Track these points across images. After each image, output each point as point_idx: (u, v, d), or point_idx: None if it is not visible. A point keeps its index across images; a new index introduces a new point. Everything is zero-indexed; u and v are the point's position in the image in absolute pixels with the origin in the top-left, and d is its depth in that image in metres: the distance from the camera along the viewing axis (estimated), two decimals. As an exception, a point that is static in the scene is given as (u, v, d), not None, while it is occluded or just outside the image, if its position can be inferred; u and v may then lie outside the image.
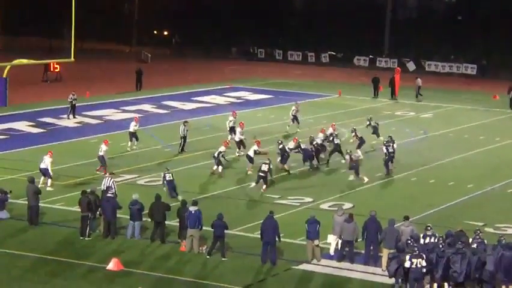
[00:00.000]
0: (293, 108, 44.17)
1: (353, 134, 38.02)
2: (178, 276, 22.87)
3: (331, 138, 36.68)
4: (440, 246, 21.98)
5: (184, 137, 37.67)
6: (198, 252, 24.60)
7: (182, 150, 37.54)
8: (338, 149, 35.94)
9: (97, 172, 33.13)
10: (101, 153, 33.44)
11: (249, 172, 33.84)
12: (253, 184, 31.76)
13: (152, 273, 22.97)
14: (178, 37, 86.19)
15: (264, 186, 31.56)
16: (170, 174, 30.14)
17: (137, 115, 43.17)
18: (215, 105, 52.00)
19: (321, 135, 36.92)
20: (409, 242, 22.24)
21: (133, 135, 37.92)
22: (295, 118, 43.53)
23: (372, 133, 39.92)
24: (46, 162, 31.04)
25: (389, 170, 34.26)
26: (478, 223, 27.28)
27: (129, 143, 37.89)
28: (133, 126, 38.07)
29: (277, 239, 24.00)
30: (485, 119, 48.75)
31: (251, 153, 34.31)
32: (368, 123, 40.58)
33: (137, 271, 23.09)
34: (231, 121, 39.53)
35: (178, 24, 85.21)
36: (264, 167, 31.66)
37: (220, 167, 33.52)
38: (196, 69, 70.09)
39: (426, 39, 75.35)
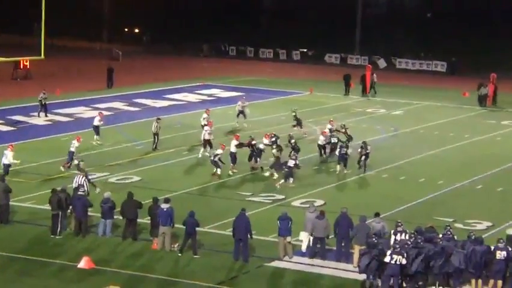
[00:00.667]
0: (239, 103, 44.53)
1: (343, 130, 37.59)
2: (149, 274, 22.82)
3: (330, 136, 36.69)
4: (419, 242, 22.08)
5: (157, 134, 37.55)
6: (170, 250, 24.56)
7: (155, 147, 37.41)
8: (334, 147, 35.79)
9: (62, 168, 32.97)
10: (72, 149, 33.35)
11: (232, 172, 33.39)
12: (282, 181, 31.97)
13: (123, 271, 22.89)
14: (149, 34, 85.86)
15: (291, 180, 31.94)
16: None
17: (102, 111, 43.15)
18: (186, 102, 51.90)
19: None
20: (373, 238, 22.38)
21: (96, 129, 37.89)
22: (241, 113, 43.76)
23: (295, 125, 40.56)
24: (8, 157, 30.89)
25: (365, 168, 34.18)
26: (448, 219, 27.50)
27: (95, 137, 37.83)
28: (97, 121, 38.04)
29: (249, 236, 24.03)
30: (455, 116, 49.13)
31: (233, 149, 33.75)
32: (293, 114, 41.17)
33: (108, 269, 23.00)
34: (204, 118, 39.44)
35: (149, 22, 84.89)
36: (291, 163, 31.93)
37: (219, 170, 33.05)
38: (167, 67, 69.88)
39: (397, 36, 75.79)
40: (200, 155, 35.94)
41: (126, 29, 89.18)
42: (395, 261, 21.28)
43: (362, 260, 21.91)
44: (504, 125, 46.70)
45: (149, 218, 25.58)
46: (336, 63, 74.59)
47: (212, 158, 33.30)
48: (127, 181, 32.06)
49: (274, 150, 34.08)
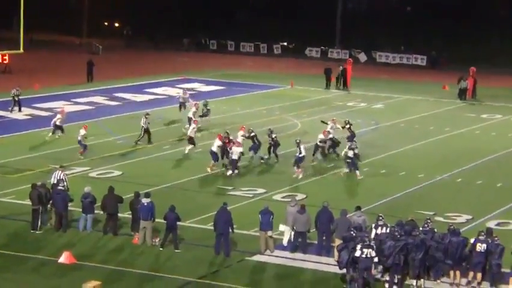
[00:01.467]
0: (180, 95, 44.59)
1: (348, 126, 36.88)
2: (130, 268, 22.77)
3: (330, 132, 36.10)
4: (397, 235, 22.17)
5: (147, 129, 37.40)
6: (151, 245, 24.52)
7: (149, 141, 37.33)
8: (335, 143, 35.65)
9: (80, 156, 34.20)
10: (79, 138, 34.39)
11: (210, 169, 33.10)
12: (346, 170, 32.73)
13: (104, 266, 22.82)
14: (129, 29, 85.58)
15: (358, 172, 32.34)
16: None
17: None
18: (167, 97, 51.79)
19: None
20: (352, 232, 22.46)
21: (58, 127, 37.77)
22: (182, 104, 43.54)
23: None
24: None
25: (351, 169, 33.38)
26: (429, 212, 27.62)
27: (55, 134, 37.79)
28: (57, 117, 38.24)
29: (230, 230, 24.04)
30: (435, 110, 49.33)
31: (214, 148, 33.34)
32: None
33: (89, 264, 22.92)
34: (195, 112, 39.49)
35: (129, 16, 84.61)
36: (350, 153, 32.42)
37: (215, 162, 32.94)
38: (147, 61, 69.70)
39: (377, 30, 75.98)
40: (187, 151, 35.81)
41: (106, 23, 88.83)
42: (366, 254, 21.39)
43: (341, 255, 21.97)
44: (483, 118, 46.96)
45: (130, 212, 25.53)
46: (316, 57, 74.66)
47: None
48: (107, 175, 31.96)
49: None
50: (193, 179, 32.18)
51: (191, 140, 35.67)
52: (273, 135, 35.22)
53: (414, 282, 22.12)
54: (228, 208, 24.39)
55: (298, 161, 32.62)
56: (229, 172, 32.47)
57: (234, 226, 24.24)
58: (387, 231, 22.80)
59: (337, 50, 75.33)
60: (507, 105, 51.18)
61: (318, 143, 35.40)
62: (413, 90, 56.24)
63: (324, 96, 53.47)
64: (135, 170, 33.22)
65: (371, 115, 46.91)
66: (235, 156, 32.54)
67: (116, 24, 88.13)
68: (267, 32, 78.12)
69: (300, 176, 32.41)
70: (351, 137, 35.90)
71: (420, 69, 69.45)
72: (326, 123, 37.01)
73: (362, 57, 72.08)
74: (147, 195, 24.94)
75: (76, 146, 36.77)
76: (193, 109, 40.01)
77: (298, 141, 33.15)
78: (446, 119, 46.16)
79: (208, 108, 42.08)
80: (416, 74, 66.58)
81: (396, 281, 21.87)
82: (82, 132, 35.05)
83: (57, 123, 38.02)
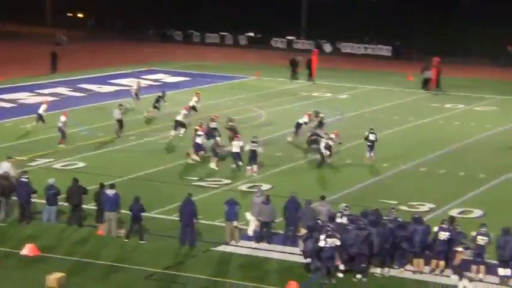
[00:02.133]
0: (134, 86, 45.06)
1: (317, 116, 37.38)
2: (95, 260, 22.68)
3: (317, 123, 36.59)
4: (361, 224, 22.31)
5: (120, 120, 37.30)
6: (116, 236, 24.44)
7: (119, 134, 37.21)
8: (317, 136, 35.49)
9: (61, 145, 34.36)
10: (60, 125, 34.62)
11: (194, 158, 32.82)
12: (369, 154, 33.50)
13: (68, 258, 22.70)
14: (93, 19, 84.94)
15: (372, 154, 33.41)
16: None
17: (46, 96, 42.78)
18: (132, 88, 51.40)
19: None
20: (319, 221, 22.58)
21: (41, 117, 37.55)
22: (136, 95, 44.05)
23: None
24: None
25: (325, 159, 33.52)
26: (393, 201, 27.82)
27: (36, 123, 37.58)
28: (42, 109, 37.83)
29: (195, 220, 24.04)
30: (399, 100, 49.64)
31: (199, 141, 33.12)
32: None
33: (53, 256, 22.79)
34: (196, 101, 40.62)
35: (93, 7, 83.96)
36: (330, 142, 32.79)
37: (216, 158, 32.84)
38: (112, 52, 69.26)
39: (342, 21, 76.19)
40: (171, 137, 36.11)
41: (70, 14, 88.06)
42: (330, 244, 21.51)
43: (306, 245, 22.08)
44: (447, 108, 47.36)
45: (94, 204, 25.40)
46: (282, 48, 74.70)
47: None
48: (72, 167, 31.77)
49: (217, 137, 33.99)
50: (158, 170, 32.09)
51: (181, 124, 36.33)
52: (230, 123, 35.03)
53: (378, 270, 22.31)
54: (193, 199, 24.37)
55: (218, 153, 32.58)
56: (240, 163, 32.04)
57: (200, 217, 24.25)
58: (347, 221, 22.94)
59: (302, 41, 75.43)
60: (470, 95, 51.67)
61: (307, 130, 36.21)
62: (378, 81, 56.54)
63: (289, 87, 53.56)
64: (100, 161, 33.06)
65: (337, 105, 47.08)
66: (236, 150, 32.14)
67: (80, 15, 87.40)
68: (233, 23, 77.99)
69: (213, 165, 32.17)
70: (319, 127, 36.47)
71: (385, 60, 69.81)
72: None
73: (327, 47, 72.24)
74: (112, 186, 24.84)
75: (40, 137, 36.55)
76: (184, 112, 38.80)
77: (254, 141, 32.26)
78: (410, 109, 46.47)
79: (164, 100, 42.04)
80: (381, 64, 66.93)
81: (360, 269, 22.04)
82: (63, 119, 35.06)
83: (40, 112, 37.63)
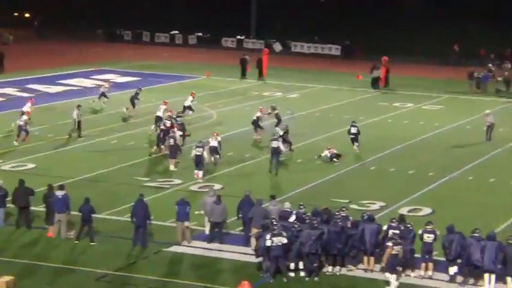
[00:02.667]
0: (104, 85, 45.04)
1: (273, 111, 38.38)
2: (45, 262, 22.43)
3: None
4: (314, 223, 22.40)
5: (79, 122, 36.95)
6: (66, 238, 24.20)
7: (79, 135, 36.98)
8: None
9: (15, 142, 34.33)
10: (21, 123, 34.50)
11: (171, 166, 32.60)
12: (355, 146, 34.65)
13: (17, 261, 22.42)
14: (40, 19, 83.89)
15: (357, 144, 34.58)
16: None
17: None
18: (82, 88, 51.06)
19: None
20: (272, 221, 22.64)
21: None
22: (103, 95, 43.98)
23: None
24: None
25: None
26: (344, 200, 28.03)
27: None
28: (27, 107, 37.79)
29: (148, 221, 23.92)
30: (349, 99, 49.99)
31: (176, 137, 32.82)
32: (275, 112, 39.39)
33: (1, 259, 22.48)
34: (192, 101, 40.96)
35: (40, 6, 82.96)
36: (280, 132, 33.44)
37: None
38: (60, 52, 68.50)
39: (292, 20, 76.48)
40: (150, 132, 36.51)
41: (16, 13, 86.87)
42: (276, 243, 21.58)
43: (258, 244, 22.10)
44: (396, 106, 47.81)
45: (43, 205, 25.11)
46: (232, 47, 74.70)
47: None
48: (21, 168, 31.37)
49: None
50: (108, 171, 31.85)
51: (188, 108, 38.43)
52: (167, 124, 34.69)
53: (330, 268, 22.42)
54: (145, 199, 24.24)
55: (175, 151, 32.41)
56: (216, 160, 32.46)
57: (151, 217, 24.16)
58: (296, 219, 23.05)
59: (252, 40, 75.53)
60: (418, 93, 52.23)
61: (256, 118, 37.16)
62: (328, 80, 56.86)
63: (240, 86, 53.58)
64: (49, 162, 32.71)
65: (287, 105, 47.19)
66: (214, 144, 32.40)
67: (27, 15, 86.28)
68: (182, 23, 77.74)
69: (172, 167, 32.03)
70: (278, 123, 37.22)
71: (334, 59, 70.23)
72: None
73: (277, 47, 72.44)
74: (61, 187, 24.59)
75: None
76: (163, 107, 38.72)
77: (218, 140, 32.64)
78: (360, 108, 46.82)
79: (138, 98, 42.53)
80: (331, 63, 67.30)
81: (312, 268, 22.14)
82: (24, 117, 34.80)
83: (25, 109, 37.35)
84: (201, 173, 30.80)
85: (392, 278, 21.38)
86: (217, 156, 32.52)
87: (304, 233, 22.16)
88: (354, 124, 36.03)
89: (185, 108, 40.72)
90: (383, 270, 21.88)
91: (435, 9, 73.03)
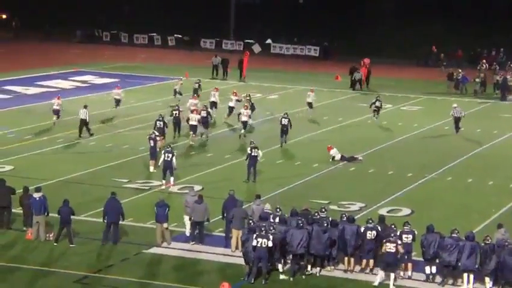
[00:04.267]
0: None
1: (248, 97, 40.80)
2: (23, 264, 22.28)
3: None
4: (300, 223, 22.41)
5: (84, 120, 37.11)
6: (45, 240, 24.06)
7: (91, 133, 37.44)
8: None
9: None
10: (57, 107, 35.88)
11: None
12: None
13: (-4, 263, 22.28)
14: (17, 20, 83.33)
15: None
16: None
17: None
18: (60, 89, 50.78)
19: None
20: (250, 222, 22.64)
21: None
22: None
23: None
24: None
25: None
26: (323, 201, 28.06)
27: None
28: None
29: (121, 218, 23.95)
30: (328, 100, 50.07)
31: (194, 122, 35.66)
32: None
33: (-20, 261, 22.34)
34: (214, 95, 43.15)
35: (17, 7, 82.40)
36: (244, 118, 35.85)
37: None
38: (38, 53, 68.13)
39: (271, 22, 76.48)
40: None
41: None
42: (261, 244, 21.58)
43: (246, 246, 21.95)
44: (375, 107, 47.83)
45: (20, 207, 24.95)
46: (211, 49, 74.59)
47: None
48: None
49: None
50: (87, 172, 31.71)
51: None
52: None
53: (309, 269, 22.44)
54: (125, 200, 24.20)
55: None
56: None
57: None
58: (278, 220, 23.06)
59: (231, 42, 75.50)
60: (396, 95, 52.42)
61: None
62: (307, 81, 56.86)
63: (220, 87, 53.37)
64: (27, 164, 32.51)
65: (267, 106, 47.21)
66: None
67: (4, 16, 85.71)
68: (161, 24, 77.53)
69: (152, 169, 31.91)
70: (252, 109, 39.61)
71: (313, 60, 70.31)
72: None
73: (256, 48, 72.43)
74: (38, 189, 24.46)
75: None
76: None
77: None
78: (339, 109, 46.93)
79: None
80: (310, 64, 67.39)
81: (295, 269, 22.16)
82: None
83: None
84: (172, 179, 29.97)
85: (381, 273, 21.48)
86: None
87: (290, 232, 22.17)
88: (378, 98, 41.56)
89: (211, 103, 42.47)
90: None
91: (412, 10, 73.23)
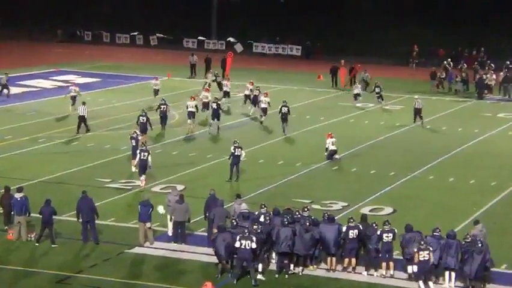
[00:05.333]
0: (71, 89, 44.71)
1: (215, 76, 43.77)
2: (4, 265, 22.18)
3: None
4: (285, 221, 22.43)
5: (84, 117, 37.60)
6: (27, 240, 23.96)
7: (88, 130, 37.94)
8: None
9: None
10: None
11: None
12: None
13: (-24, 264, 22.16)
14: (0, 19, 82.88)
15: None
16: None
17: None
18: (41, 89, 50.55)
19: None
20: (233, 221, 22.65)
21: None
22: (226, 94, 47.13)
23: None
24: None
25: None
26: (306, 200, 28.10)
27: None
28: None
29: (95, 216, 24.01)
30: (310, 99, 50.14)
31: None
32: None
33: (-40, 262, 22.21)
34: (250, 89, 44.90)
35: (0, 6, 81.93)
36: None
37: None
38: (19, 53, 67.80)
39: (253, 21, 76.49)
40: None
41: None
42: (244, 245, 21.59)
43: (217, 246, 21.95)
44: (357, 107, 48.03)
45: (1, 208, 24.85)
46: (193, 48, 74.48)
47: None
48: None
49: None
50: (69, 172, 31.60)
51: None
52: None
53: (292, 268, 22.47)
54: (90, 196, 24.18)
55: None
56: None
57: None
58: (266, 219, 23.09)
59: (213, 41, 75.44)
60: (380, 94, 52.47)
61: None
62: (289, 80, 56.97)
63: (201, 87, 53.32)
64: (8, 164, 32.37)
65: (248, 105, 47.15)
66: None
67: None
68: (143, 24, 77.33)
69: (133, 169, 31.68)
70: (226, 94, 43.30)
71: (295, 60, 70.39)
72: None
73: (239, 47, 72.39)
74: (19, 189, 24.38)
75: None
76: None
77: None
78: (321, 108, 47.01)
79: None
80: (292, 64, 67.46)
81: (279, 269, 22.20)
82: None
83: None
84: (143, 177, 29.60)
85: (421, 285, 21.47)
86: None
87: (275, 231, 22.19)
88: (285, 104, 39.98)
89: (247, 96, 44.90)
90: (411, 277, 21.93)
91: (391, 10, 73.39)
